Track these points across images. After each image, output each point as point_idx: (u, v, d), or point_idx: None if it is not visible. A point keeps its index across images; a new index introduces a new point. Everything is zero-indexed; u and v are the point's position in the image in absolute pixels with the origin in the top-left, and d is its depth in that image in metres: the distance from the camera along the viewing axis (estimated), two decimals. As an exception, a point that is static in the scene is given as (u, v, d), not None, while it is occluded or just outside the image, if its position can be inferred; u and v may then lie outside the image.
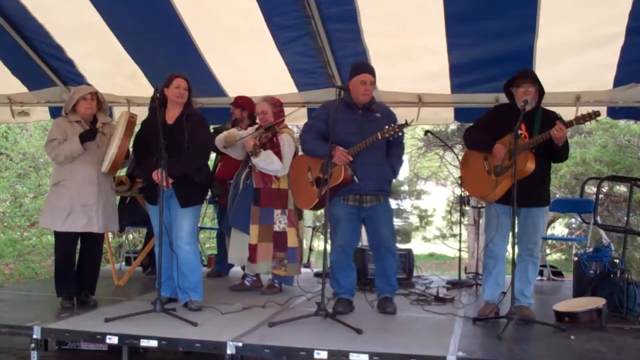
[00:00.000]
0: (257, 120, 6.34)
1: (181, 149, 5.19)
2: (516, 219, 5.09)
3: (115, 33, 6.74)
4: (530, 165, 4.81)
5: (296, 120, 7.73)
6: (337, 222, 5.31)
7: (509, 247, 5.04)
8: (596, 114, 4.78)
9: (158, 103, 5.09)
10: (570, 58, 6.21)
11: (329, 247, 5.03)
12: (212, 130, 6.59)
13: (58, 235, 5.36)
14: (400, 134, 5.08)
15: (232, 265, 7.19)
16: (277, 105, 6.19)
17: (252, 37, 6.53)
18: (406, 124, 5.08)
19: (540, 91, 5.07)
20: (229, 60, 7.07)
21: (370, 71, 5.31)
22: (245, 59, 6.99)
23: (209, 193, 6.67)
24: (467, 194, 6.31)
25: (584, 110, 6.67)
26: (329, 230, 5.20)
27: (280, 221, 6.12)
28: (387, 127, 5.04)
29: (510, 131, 4.83)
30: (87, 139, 5.29)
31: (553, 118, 5.01)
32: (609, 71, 6.34)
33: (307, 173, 5.40)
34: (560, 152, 5.01)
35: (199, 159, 5.37)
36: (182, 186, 5.21)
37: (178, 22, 6.39)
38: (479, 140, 5.20)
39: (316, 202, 5.26)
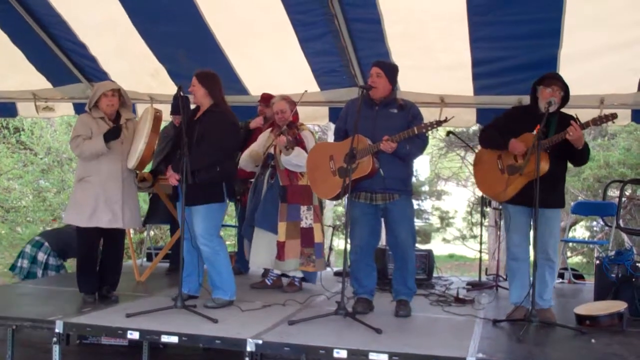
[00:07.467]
0: (277, 120, 6.29)
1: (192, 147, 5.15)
2: (531, 220, 5.07)
3: (139, 29, 6.80)
4: (544, 166, 4.77)
5: (317, 120, 7.74)
6: (354, 222, 5.28)
7: (531, 248, 5.00)
8: (613, 116, 4.79)
9: (181, 101, 5.10)
10: (594, 61, 6.16)
11: (349, 246, 5.03)
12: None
13: (81, 231, 5.39)
14: (436, 129, 5.05)
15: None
16: (293, 104, 6.22)
17: (275, 33, 6.55)
18: (446, 120, 5.06)
19: (564, 99, 5.06)
20: (250, 57, 7.05)
21: (377, 64, 5.28)
22: (267, 56, 6.99)
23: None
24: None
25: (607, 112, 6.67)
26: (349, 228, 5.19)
27: (306, 217, 6.15)
28: (424, 123, 5.01)
29: (525, 131, 4.92)
30: (111, 137, 5.30)
31: (569, 120, 4.97)
32: (634, 74, 6.30)
33: (328, 162, 5.27)
34: (578, 155, 4.96)
35: (204, 157, 5.15)
36: (187, 185, 5.03)
37: (200, 19, 6.44)
38: (496, 139, 5.14)
39: (338, 192, 5.09)
